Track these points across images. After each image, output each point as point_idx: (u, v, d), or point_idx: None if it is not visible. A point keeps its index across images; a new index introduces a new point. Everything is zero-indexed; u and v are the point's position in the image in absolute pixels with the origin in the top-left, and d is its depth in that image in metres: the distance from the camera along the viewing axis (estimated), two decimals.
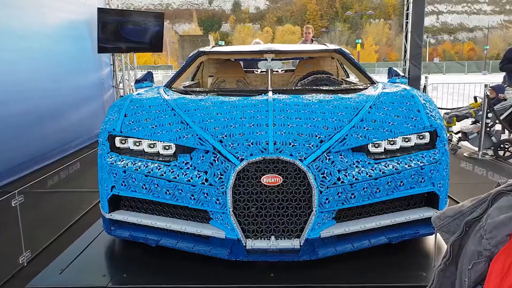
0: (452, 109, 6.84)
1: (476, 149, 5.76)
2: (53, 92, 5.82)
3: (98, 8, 6.91)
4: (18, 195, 2.86)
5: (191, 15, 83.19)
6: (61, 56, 6.12)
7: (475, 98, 6.34)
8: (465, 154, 5.70)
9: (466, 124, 6.22)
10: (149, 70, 3.66)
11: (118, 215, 2.43)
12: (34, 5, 5.53)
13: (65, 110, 6.15)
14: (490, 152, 5.77)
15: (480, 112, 5.68)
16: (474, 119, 6.05)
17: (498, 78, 9.74)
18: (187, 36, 21.26)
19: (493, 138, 5.67)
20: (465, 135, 5.82)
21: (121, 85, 8.25)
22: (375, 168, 2.24)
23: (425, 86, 7.84)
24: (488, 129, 5.68)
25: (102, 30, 6.94)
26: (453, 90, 9.96)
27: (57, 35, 6.10)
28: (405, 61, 8.93)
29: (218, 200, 2.16)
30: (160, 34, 7.93)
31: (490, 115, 5.63)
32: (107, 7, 7.76)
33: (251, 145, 2.18)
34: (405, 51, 8.88)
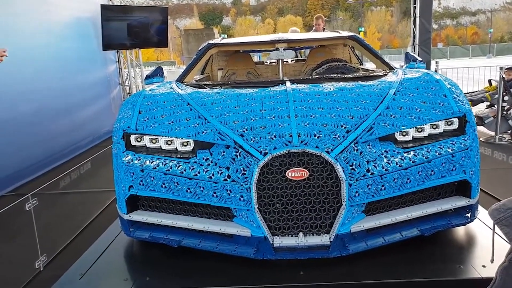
0: (465, 93, 6.69)
1: (493, 133, 5.62)
2: (60, 91, 5.74)
3: (101, 4, 6.80)
4: (32, 198, 2.79)
5: (192, 10, 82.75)
6: (67, 54, 6.03)
7: (489, 81, 6.18)
8: (481, 139, 5.56)
9: (481, 108, 6.08)
10: (159, 65, 3.54)
11: (137, 216, 2.35)
12: (39, 3, 5.43)
13: (72, 109, 6.07)
14: (507, 136, 5.63)
15: (496, 96, 5.53)
16: (489, 103, 5.90)
17: (503, 61, 9.55)
18: (191, 31, 21.02)
19: (510, 121, 5.53)
20: (480, 120, 5.68)
21: (127, 82, 8.15)
22: (404, 158, 2.13)
23: (435, 71, 7.69)
24: (504, 112, 5.54)
25: (106, 27, 6.84)
26: (462, 75, 9.78)
27: (63, 33, 6.02)
28: (414, 47, 8.76)
29: (242, 197, 2.07)
30: (165, 29, 7.81)
31: (506, 98, 5.48)
32: (110, 3, 7.65)
33: (274, 138, 2.07)
34: (414, 37, 8.71)
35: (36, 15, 5.37)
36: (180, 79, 3.26)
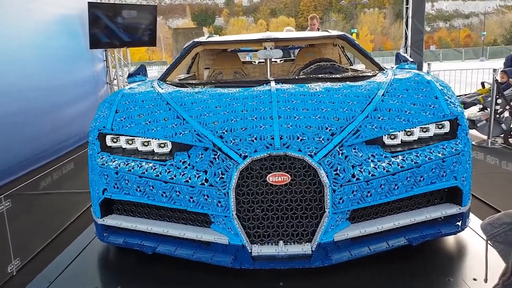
0: (458, 96, 6.63)
1: (485, 137, 5.55)
2: (47, 90, 5.60)
3: (88, 2, 6.64)
4: (5, 199, 2.65)
5: (184, 10, 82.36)
6: (54, 53, 5.88)
7: (482, 83, 6.12)
8: (473, 143, 5.49)
9: (473, 111, 6.01)
10: (142, 64, 3.42)
11: (111, 220, 2.22)
12: (24, 0, 5.28)
13: (59, 109, 5.93)
14: (500, 140, 5.57)
15: (489, 98, 5.46)
16: (482, 106, 5.83)
17: (496, 64, 9.52)
18: (181, 30, 20.77)
19: (503, 125, 5.47)
20: (473, 123, 5.61)
21: (115, 81, 8.00)
22: (392, 162, 2.03)
23: (427, 73, 7.62)
24: (497, 115, 5.48)
25: (94, 25, 6.68)
26: (455, 77, 9.75)
27: (49, 31, 5.86)
28: (406, 48, 8.69)
29: (219, 202, 1.95)
30: (153, 27, 7.67)
31: (499, 101, 5.42)
32: (98, 1, 7.49)
33: (254, 140, 1.96)
34: (406, 38, 8.64)
35: (22, 13, 5.22)
36: (163, 78, 3.14)
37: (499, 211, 3.24)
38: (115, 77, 8.00)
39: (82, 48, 6.76)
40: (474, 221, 2.41)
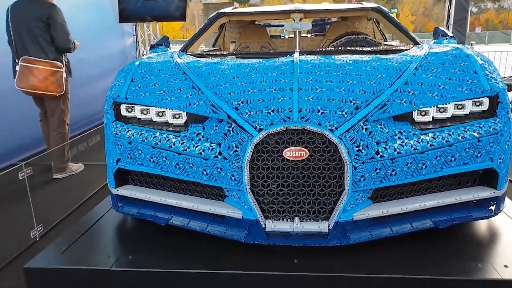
0: (502, 78, 6.20)
1: None
2: (78, 64, 5.65)
3: None
4: (25, 167, 2.69)
5: None
6: (85, 25, 5.91)
7: None
8: None
9: None
10: (165, 35, 3.34)
11: (125, 191, 2.20)
12: None
13: (89, 82, 6.01)
14: None
15: None
16: None
17: None
18: (212, 4, 20.39)
19: None
20: None
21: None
22: (421, 140, 1.87)
23: (468, 47, 7.16)
24: None
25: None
26: (500, 60, 9.14)
27: (79, 2, 5.88)
28: (448, 27, 8.18)
29: (233, 176, 1.87)
30: (184, 2, 7.58)
31: None
32: None
33: (271, 112, 1.85)
34: (449, 16, 8.13)
35: None
36: (184, 49, 3.06)
37: None
38: (144, 53, 8.02)
39: (111, 22, 6.77)
40: (509, 206, 2.22)
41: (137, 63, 2.39)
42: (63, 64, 3.88)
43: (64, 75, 3.86)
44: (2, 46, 3.97)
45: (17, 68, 3.66)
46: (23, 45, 3.70)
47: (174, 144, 1.99)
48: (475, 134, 1.91)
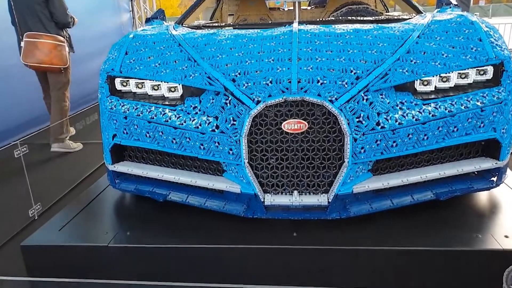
0: None
1: None
2: (72, 40, 5.55)
3: None
4: (21, 145, 2.65)
5: None
6: (79, 1, 5.75)
7: None
8: None
9: None
10: (161, 8, 3.24)
11: (122, 167, 2.17)
12: None
13: (84, 60, 5.88)
14: None
15: None
16: None
17: None
18: None
19: None
20: None
21: None
22: (423, 110, 1.83)
23: (472, 15, 6.99)
24: None
25: None
26: (504, 32, 8.97)
27: None
28: None
29: (231, 150, 1.84)
30: None
31: None
32: None
33: (269, 84, 1.80)
34: None
35: None
36: (179, 21, 2.97)
37: None
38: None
39: None
40: (510, 177, 2.19)
41: (131, 35, 2.32)
42: (64, 38, 3.98)
43: (66, 49, 3.98)
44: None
45: (22, 44, 3.77)
46: (26, 23, 3.81)
47: (170, 118, 1.94)
48: (478, 103, 1.86)
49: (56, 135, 4.08)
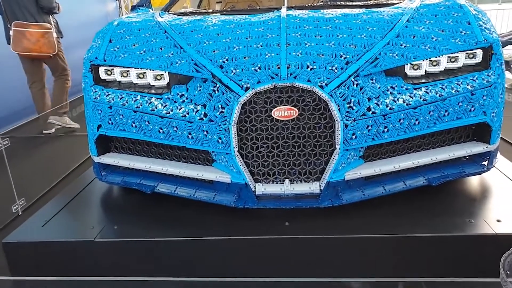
0: None
1: None
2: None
3: None
4: (2, 139, 2.57)
5: None
6: None
7: None
8: (506, 86, 5.09)
9: (507, 52, 5.53)
10: None
11: (108, 159, 2.11)
12: None
13: (70, 50, 5.75)
14: None
15: None
16: None
17: None
18: None
19: None
20: (507, 64, 5.17)
21: None
22: (414, 95, 1.80)
23: None
24: None
25: None
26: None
27: None
28: None
29: (220, 138, 1.79)
30: None
31: None
32: None
33: (258, 70, 1.75)
34: None
35: None
36: (166, 9, 2.89)
37: None
38: None
39: None
40: (501, 162, 2.19)
41: (115, 23, 2.25)
42: (51, 25, 4.11)
43: (54, 35, 4.12)
44: None
45: (11, 33, 3.90)
46: (13, 12, 3.92)
47: (156, 107, 1.89)
48: (468, 87, 1.85)
49: (57, 109, 4.32)
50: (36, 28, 3.94)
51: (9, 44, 3.92)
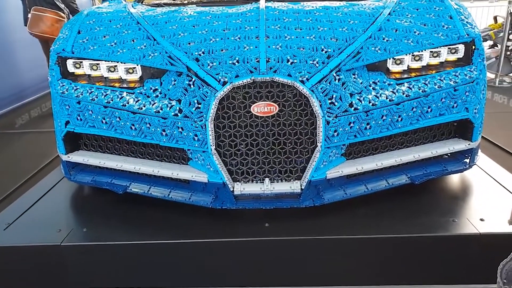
0: None
1: (493, 76, 5.22)
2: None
3: None
4: None
5: None
6: None
7: (495, 18, 5.67)
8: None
9: None
10: None
11: (77, 157, 1.98)
12: None
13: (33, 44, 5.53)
14: (508, 78, 5.24)
15: (501, 34, 5.06)
16: (492, 43, 5.44)
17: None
18: None
19: None
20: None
21: None
22: (396, 91, 1.75)
23: None
24: (508, 53, 5.11)
25: None
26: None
27: None
28: None
29: (196, 136, 1.70)
30: None
31: None
32: None
33: (236, 63, 1.66)
34: None
35: None
36: (140, 0, 2.76)
37: (507, 151, 3.00)
38: None
39: None
40: (482, 159, 2.17)
41: (85, 12, 2.12)
42: (64, 15, 4.60)
43: None
44: None
45: (29, 15, 4.38)
46: (34, 1, 4.46)
47: (128, 103, 1.77)
48: (451, 83, 1.81)
49: None
50: (52, 14, 4.47)
51: (26, 25, 4.44)
